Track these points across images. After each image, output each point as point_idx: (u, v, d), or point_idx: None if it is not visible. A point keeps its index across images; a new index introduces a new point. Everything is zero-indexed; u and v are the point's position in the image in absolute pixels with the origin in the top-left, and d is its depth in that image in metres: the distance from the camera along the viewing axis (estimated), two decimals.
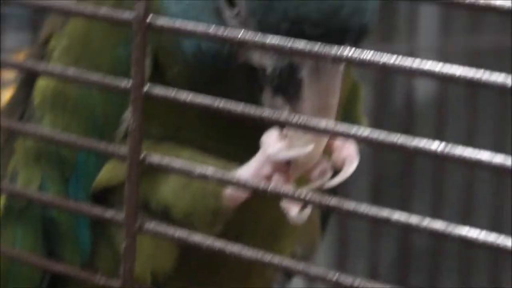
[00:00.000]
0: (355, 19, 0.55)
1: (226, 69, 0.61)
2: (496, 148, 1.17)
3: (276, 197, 0.57)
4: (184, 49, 0.61)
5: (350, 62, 0.46)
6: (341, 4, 0.54)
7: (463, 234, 0.39)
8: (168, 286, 0.66)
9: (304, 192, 0.50)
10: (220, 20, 0.59)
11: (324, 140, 0.57)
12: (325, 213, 0.76)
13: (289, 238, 0.71)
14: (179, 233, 0.51)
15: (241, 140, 0.60)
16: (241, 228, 0.64)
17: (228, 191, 0.59)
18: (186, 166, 0.51)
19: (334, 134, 0.52)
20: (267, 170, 0.57)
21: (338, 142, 0.60)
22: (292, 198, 0.52)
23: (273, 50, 0.52)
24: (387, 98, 1.59)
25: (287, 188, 0.55)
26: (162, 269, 0.65)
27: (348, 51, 0.43)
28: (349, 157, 0.60)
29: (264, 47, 0.50)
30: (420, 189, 1.58)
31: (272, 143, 0.57)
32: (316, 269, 0.47)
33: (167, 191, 0.61)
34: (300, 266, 0.49)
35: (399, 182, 1.60)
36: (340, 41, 0.52)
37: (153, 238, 0.57)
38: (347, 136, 0.46)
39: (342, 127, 0.46)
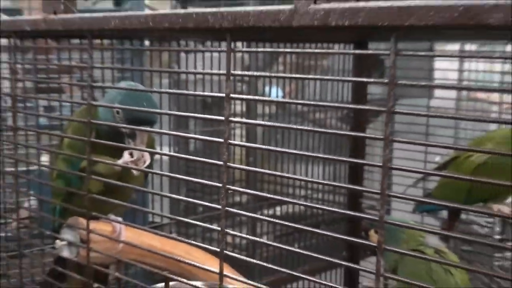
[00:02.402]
0: (151, 119, 1.32)
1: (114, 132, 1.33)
2: None
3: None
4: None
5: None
6: (146, 116, 1.30)
7: None
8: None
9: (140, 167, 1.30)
10: (114, 119, 1.34)
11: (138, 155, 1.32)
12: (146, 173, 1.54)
13: (134, 183, 1.37)
14: None
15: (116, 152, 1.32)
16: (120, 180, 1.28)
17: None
18: None
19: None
20: (124, 160, 1.33)
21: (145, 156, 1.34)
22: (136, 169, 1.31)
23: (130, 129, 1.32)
24: None
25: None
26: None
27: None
28: (146, 158, 1.35)
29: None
30: None
31: (125, 154, 1.34)
32: None
33: None
34: None
35: None
36: (148, 125, 1.29)
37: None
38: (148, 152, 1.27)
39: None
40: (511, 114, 2.48)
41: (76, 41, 1.68)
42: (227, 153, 0.92)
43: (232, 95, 0.90)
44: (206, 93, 1.00)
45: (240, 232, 3.20)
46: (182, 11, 0.96)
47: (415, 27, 0.72)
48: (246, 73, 2.58)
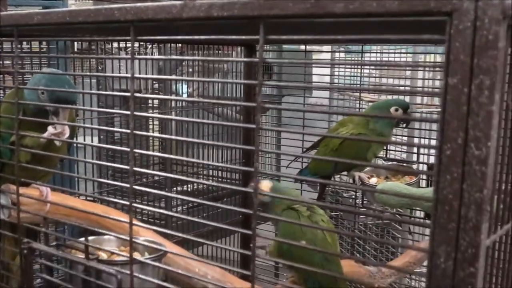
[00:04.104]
0: (72, 99, 1.27)
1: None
2: None
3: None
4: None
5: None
6: (67, 95, 1.26)
7: None
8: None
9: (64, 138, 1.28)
10: (39, 99, 1.25)
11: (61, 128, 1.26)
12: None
13: (59, 152, 1.38)
14: None
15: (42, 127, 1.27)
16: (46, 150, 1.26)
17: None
18: None
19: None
20: (49, 133, 1.28)
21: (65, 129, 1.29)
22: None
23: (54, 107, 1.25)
24: None
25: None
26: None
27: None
28: (66, 131, 1.29)
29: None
30: None
31: (49, 128, 1.29)
32: None
33: None
34: None
35: None
36: (69, 104, 1.25)
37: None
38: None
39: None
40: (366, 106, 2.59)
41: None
42: (133, 141, 0.89)
43: (136, 94, 0.89)
44: (116, 93, 1.00)
45: (159, 204, 3.21)
46: (93, 7, 0.94)
47: (278, 16, 0.74)
48: (149, 76, 2.52)
